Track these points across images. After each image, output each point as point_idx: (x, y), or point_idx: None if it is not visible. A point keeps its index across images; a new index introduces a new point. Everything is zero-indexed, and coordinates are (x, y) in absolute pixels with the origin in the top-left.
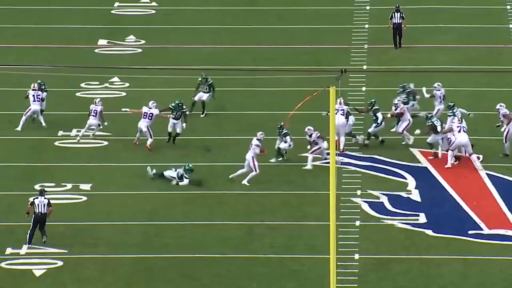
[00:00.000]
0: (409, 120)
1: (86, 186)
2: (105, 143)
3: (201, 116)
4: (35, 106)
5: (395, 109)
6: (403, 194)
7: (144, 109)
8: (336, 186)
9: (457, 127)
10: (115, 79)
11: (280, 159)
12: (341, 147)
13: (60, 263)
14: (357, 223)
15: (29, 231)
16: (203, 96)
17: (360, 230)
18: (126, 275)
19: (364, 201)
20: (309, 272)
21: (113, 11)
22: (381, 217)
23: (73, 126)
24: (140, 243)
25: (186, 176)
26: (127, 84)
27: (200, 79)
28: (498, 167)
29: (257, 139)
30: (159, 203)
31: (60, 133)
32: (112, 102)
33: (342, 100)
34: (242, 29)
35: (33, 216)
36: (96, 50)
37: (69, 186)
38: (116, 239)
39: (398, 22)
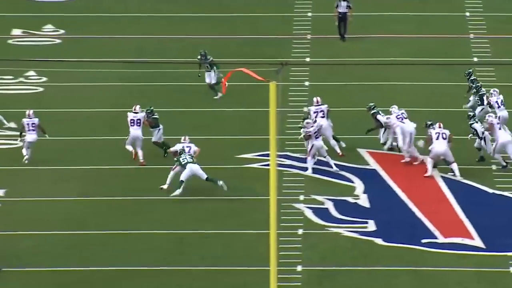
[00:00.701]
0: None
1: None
2: (19, 144)
3: (215, 98)
4: None
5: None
6: (350, 199)
7: (130, 116)
8: (277, 191)
9: (436, 133)
10: (31, 73)
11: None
12: (338, 151)
13: None
14: (300, 231)
15: None
16: (207, 77)
17: (303, 239)
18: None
19: (308, 207)
20: (247, 286)
21: None
22: (326, 225)
23: None
24: (62, 254)
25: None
26: (44, 79)
27: (199, 57)
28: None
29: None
30: (81, 211)
31: None
32: (28, 98)
33: (319, 99)
34: (172, 18)
35: None
36: (9, 41)
37: None
38: (35, 250)
39: (344, 11)
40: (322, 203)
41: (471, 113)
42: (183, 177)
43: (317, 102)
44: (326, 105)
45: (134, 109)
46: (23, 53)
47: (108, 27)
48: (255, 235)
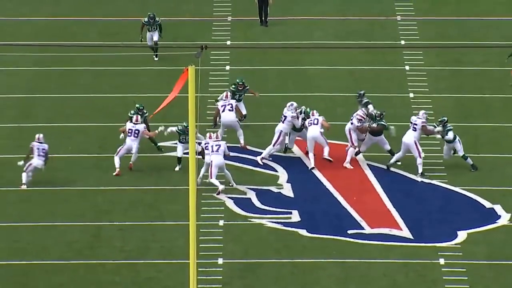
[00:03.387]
0: None
1: None
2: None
3: (155, 59)
4: None
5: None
6: (273, 188)
7: (128, 125)
8: (196, 181)
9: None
10: None
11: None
12: (242, 142)
13: None
14: (221, 222)
15: None
16: (154, 35)
17: (225, 231)
18: None
19: (229, 197)
20: (166, 280)
21: None
22: (248, 216)
23: None
24: None
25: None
26: None
27: (146, 19)
28: (380, 157)
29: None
30: None
31: None
32: None
33: (228, 94)
34: None
35: None
36: None
37: None
38: None
39: None
40: (244, 193)
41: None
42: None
43: (226, 96)
44: (234, 100)
45: (135, 120)
46: None
47: (17, 8)
48: (174, 226)
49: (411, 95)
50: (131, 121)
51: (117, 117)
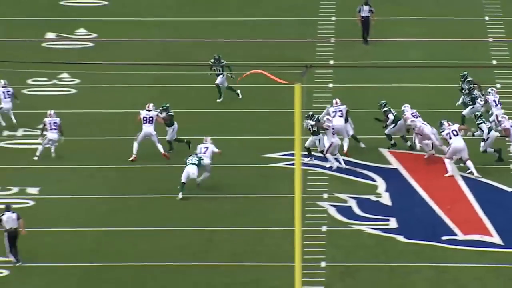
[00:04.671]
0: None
1: (33, 190)
2: (41, 141)
3: (218, 100)
4: (6, 104)
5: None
6: (373, 197)
7: (143, 113)
8: (301, 190)
9: (447, 134)
10: (65, 75)
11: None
12: (345, 150)
13: (5, 272)
14: (324, 228)
15: (9, 253)
16: (216, 79)
17: (327, 236)
18: (76, 285)
19: (331, 205)
20: (272, 281)
21: (62, 2)
22: (349, 222)
23: (19, 126)
24: (91, 250)
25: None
26: (77, 81)
27: (212, 60)
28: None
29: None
30: (112, 208)
31: (6, 133)
32: (61, 100)
33: (338, 100)
34: (201, 22)
35: (6, 234)
36: (43, 44)
37: (15, 189)
38: (66, 247)
39: (367, 15)
40: (345, 201)
41: (478, 113)
42: (182, 178)
43: (336, 103)
44: (345, 106)
45: (147, 107)
46: (57, 56)
47: (139, 30)
48: (281, 232)
49: (502, 111)
50: (146, 110)
51: (225, 131)
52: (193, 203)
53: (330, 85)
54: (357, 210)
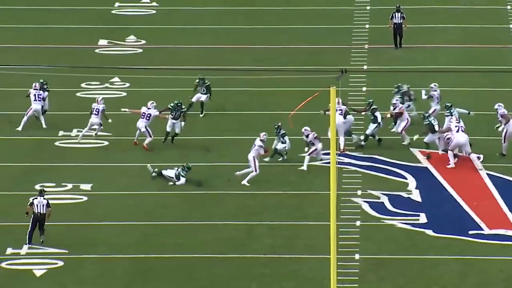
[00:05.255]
0: (407, 119)
1: (86, 186)
2: (106, 143)
3: (200, 116)
4: (36, 106)
5: (394, 109)
6: (404, 194)
7: (143, 109)
8: (336, 186)
9: (455, 126)
10: (116, 79)
11: (280, 159)
12: (341, 147)
13: (60, 263)
14: (358, 223)
15: (28, 232)
16: (201, 97)
17: (361, 230)
18: (125, 275)
19: (365, 201)
20: (309, 272)
21: (113, 11)
22: (381, 217)
23: (73, 126)
24: (139, 243)
25: (183, 174)
26: (127, 84)
27: (197, 80)
28: (498, 167)
29: (261, 139)
30: (158, 204)
31: (61, 133)
32: (112, 102)
33: (340, 100)
34: (241, 29)
35: (32, 216)
36: (96, 50)
37: (69, 186)
38: (116, 240)
39: (399, 22)
40: (378, 198)
41: (426, 114)
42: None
43: (338, 102)
44: (345, 106)
45: (147, 105)
46: (109, 61)
47: (184, 37)
48: (317, 226)
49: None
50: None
51: (268, 131)
52: (234, 199)
53: (364, 88)
54: (389, 206)
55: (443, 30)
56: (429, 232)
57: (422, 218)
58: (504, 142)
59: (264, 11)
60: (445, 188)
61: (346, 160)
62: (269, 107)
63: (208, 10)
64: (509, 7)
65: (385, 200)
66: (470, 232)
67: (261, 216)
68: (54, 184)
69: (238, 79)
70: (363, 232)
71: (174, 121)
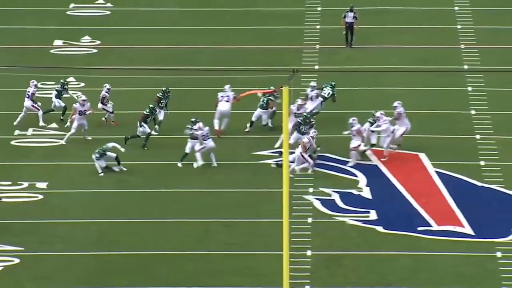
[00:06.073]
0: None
1: (42, 185)
2: (61, 141)
3: (155, 133)
4: (25, 102)
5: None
6: (354, 191)
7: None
8: (289, 184)
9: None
10: (71, 79)
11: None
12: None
13: (16, 260)
14: (310, 220)
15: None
16: (160, 114)
17: (312, 227)
18: (82, 272)
19: (316, 199)
20: (263, 269)
21: (68, 12)
22: (332, 214)
23: (29, 126)
24: (96, 240)
25: (97, 156)
26: (82, 84)
27: (160, 93)
28: (446, 165)
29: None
30: (116, 201)
31: (17, 132)
32: (68, 101)
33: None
34: (196, 30)
35: None
36: (51, 51)
37: (25, 184)
38: (72, 237)
39: (351, 21)
40: (329, 195)
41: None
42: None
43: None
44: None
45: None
46: (64, 61)
47: (139, 37)
48: (270, 223)
49: (473, 112)
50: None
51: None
52: (191, 197)
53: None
54: (340, 203)
55: (394, 31)
56: (379, 228)
57: (373, 215)
58: (391, 140)
59: (218, 12)
60: (395, 185)
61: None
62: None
63: (163, 11)
64: (456, 8)
65: (336, 197)
66: (419, 229)
67: (217, 214)
68: (10, 183)
69: (194, 78)
70: (315, 229)
71: (159, 109)
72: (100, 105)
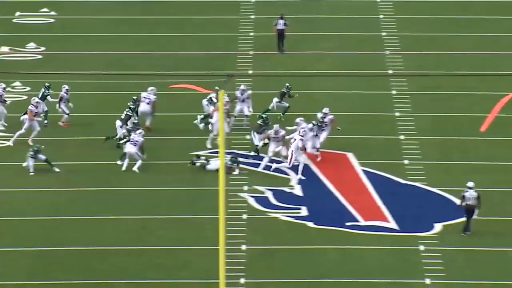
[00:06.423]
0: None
1: None
2: (8, 143)
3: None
4: None
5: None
6: (286, 189)
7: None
8: (224, 183)
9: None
10: (17, 83)
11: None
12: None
13: None
14: (244, 216)
15: None
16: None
17: (247, 223)
18: (27, 267)
19: (251, 196)
20: (200, 263)
21: (14, 20)
22: (266, 211)
23: None
24: (41, 237)
25: (31, 154)
26: (28, 88)
27: (129, 107)
28: (373, 164)
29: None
30: (59, 199)
31: None
32: (14, 104)
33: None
34: (138, 37)
35: None
36: None
37: None
38: (18, 233)
39: (282, 28)
40: (263, 193)
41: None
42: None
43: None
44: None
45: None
46: (10, 67)
47: (82, 44)
48: (207, 220)
49: (397, 114)
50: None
51: (163, 131)
52: (131, 194)
53: (249, 91)
54: (273, 200)
55: (323, 38)
56: (310, 224)
57: (304, 211)
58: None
59: (157, 20)
60: (325, 183)
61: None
62: (167, 110)
63: (104, 19)
64: (381, 16)
65: (269, 195)
66: (347, 224)
67: (156, 211)
68: None
69: (135, 83)
70: (249, 225)
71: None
72: (58, 106)
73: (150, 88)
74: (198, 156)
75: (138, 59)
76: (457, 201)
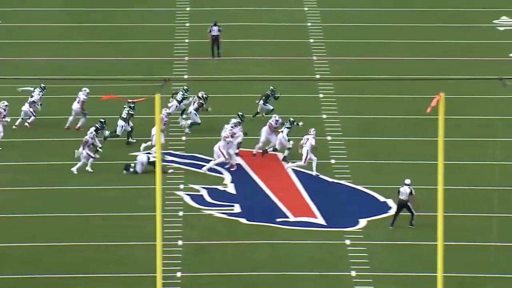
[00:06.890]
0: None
1: None
2: None
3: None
4: None
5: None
6: (220, 187)
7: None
8: (161, 181)
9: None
10: None
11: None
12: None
13: None
14: (181, 213)
15: None
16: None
17: (183, 220)
18: None
19: (186, 194)
20: (138, 258)
21: None
22: (201, 208)
23: None
24: None
25: None
26: None
27: (99, 125)
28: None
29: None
30: (7, 198)
31: None
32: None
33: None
34: (78, 43)
35: None
36: None
37: None
38: None
39: (216, 34)
40: (198, 191)
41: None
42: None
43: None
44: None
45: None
46: None
47: (28, 51)
48: (146, 217)
49: (324, 116)
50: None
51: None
52: (72, 193)
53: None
54: (207, 198)
55: (255, 44)
56: (243, 220)
57: (237, 208)
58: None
59: (97, 27)
60: (256, 182)
61: (170, 158)
62: (102, 113)
63: (48, 27)
64: (309, 24)
65: (204, 193)
66: (278, 220)
67: (98, 208)
68: None
69: (78, 87)
70: (185, 221)
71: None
72: (27, 106)
73: (83, 89)
74: (129, 164)
75: (80, 65)
76: (381, 198)
